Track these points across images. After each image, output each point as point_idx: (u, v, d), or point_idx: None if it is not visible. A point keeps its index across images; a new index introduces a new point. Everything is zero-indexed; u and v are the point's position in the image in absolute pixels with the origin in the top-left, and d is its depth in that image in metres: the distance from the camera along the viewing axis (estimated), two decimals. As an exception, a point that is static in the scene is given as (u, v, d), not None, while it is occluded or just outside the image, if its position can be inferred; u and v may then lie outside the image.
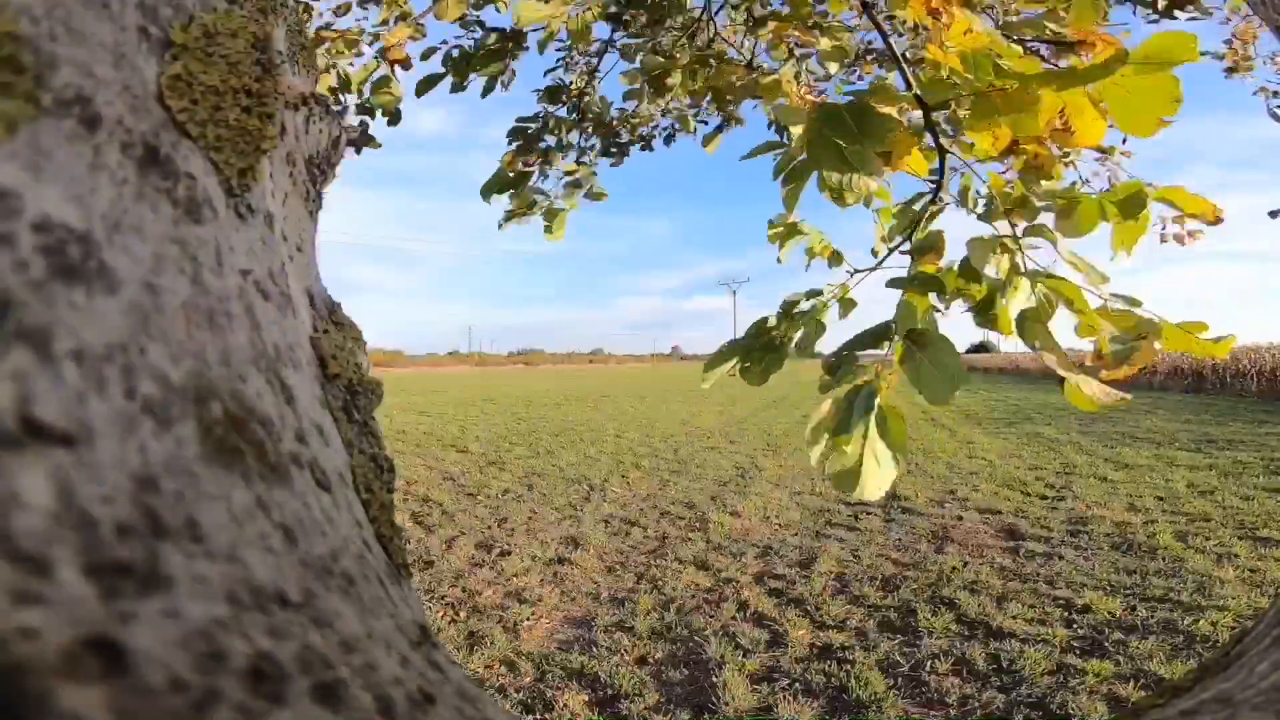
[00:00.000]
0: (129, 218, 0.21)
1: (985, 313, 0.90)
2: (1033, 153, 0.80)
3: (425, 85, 2.16)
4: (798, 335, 0.97)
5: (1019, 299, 0.85)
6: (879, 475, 0.79)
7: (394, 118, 2.30)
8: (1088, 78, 0.66)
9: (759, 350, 0.97)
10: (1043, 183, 0.85)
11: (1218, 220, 0.82)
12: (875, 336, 0.85)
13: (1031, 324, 0.83)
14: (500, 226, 2.32)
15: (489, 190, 2.23)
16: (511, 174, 2.21)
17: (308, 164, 0.38)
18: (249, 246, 0.27)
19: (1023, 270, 0.86)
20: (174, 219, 0.23)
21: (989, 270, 0.86)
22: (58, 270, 0.18)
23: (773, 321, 0.98)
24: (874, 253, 1.12)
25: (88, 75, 0.22)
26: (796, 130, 0.85)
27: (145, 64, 0.25)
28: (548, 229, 2.28)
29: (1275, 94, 2.90)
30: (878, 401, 0.80)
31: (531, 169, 2.27)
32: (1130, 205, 0.83)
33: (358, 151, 2.42)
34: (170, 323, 0.20)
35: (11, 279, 0.16)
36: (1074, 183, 0.96)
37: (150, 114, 0.24)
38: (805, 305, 0.99)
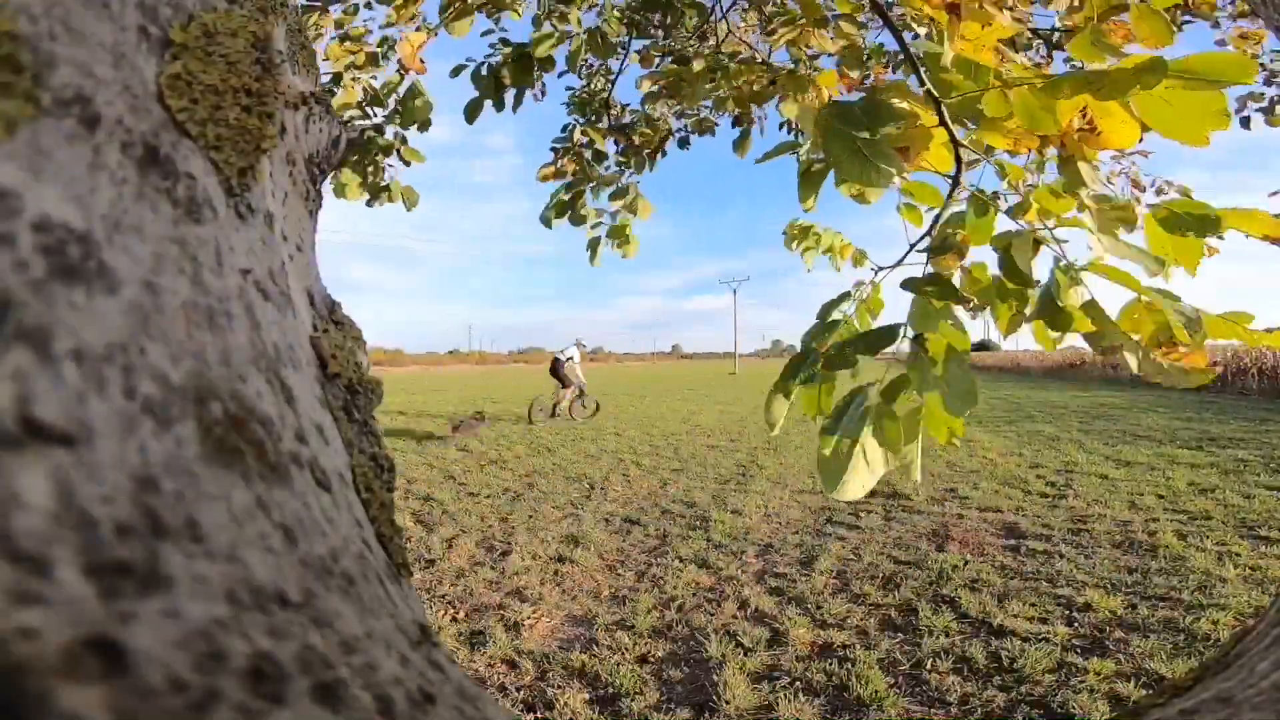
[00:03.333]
0: (129, 217, 0.21)
1: (1053, 315, 0.82)
2: (1058, 141, 0.77)
3: (473, 110, 2.16)
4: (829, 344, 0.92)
5: (1073, 296, 0.79)
6: (865, 475, 0.78)
7: (424, 125, 2.30)
8: (1119, 87, 0.63)
9: (806, 378, 0.90)
10: (1083, 175, 0.80)
11: None
12: (882, 337, 0.81)
13: (1100, 318, 0.77)
14: (591, 262, 2.32)
15: (549, 217, 2.24)
16: (563, 199, 2.22)
17: (308, 163, 0.38)
18: (249, 246, 0.27)
19: (1067, 266, 0.80)
20: (174, 219, 0.23)
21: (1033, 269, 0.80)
22: (57, 270, 0.18)
23: (814, 333, 0.93)
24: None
25: (87, 75, 0.21)
26: (809, 129, 0.83)
27: (145, 63, 0.25)
28: (619, 246, 2.28)
29: (1260, 98, 2.89)
30: (869, 405, 0.78)
31: (580, 189, 2.28)
32: (1204, 224, 0.74)
33: (406, 164, 2.42)
34: (170, 323, 0.20)
35: (11, 279, 0.16)
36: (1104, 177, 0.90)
37: (150, 114, 0.24)
38: (845, 308, 0.94)
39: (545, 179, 2.29)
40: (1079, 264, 0.79)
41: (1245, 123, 2.97)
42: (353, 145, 2.32)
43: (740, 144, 2.78)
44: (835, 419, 0.79)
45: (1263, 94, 2.90)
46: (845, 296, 0.96)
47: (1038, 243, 0.81)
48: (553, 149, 2.38)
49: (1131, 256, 0.76)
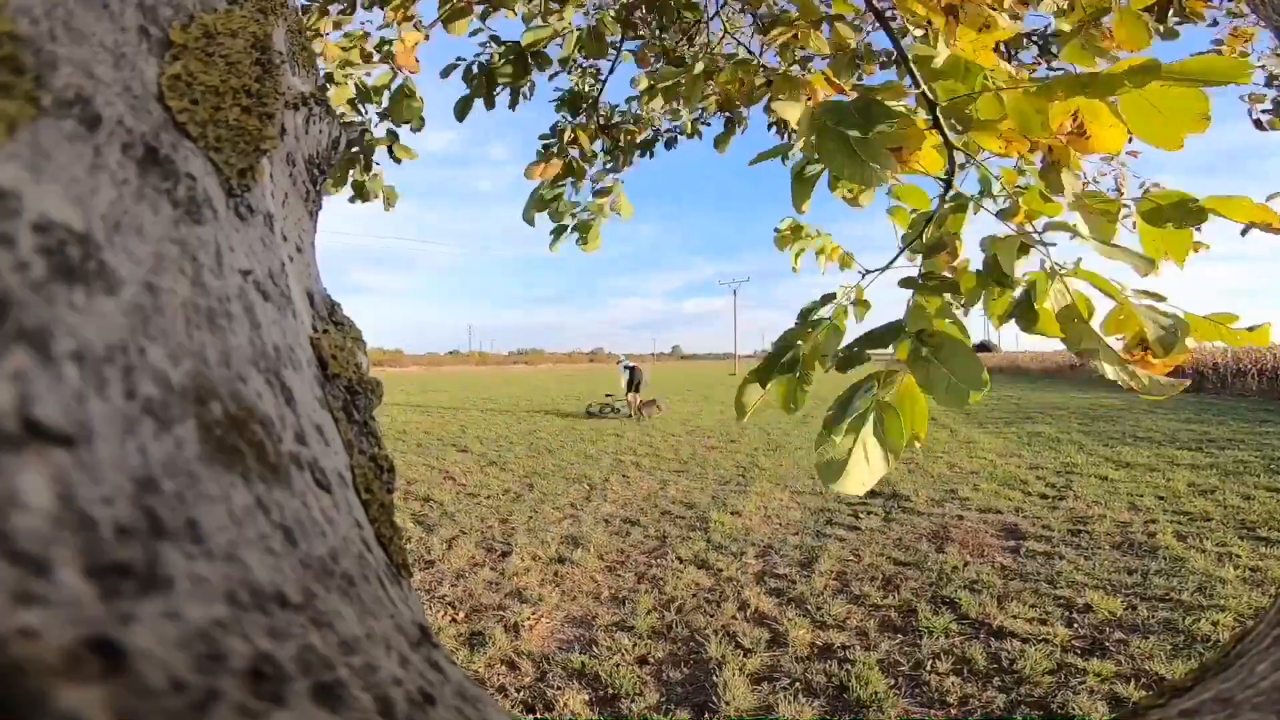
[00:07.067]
0: (129, 218, 0.21)
1: (1026, 315, 0.84)
2: (1046, 146, 0.78)
3: (463, 107, 2.17)
4: (813, 344, 0.93)
5: (1052, 297, 0.80)
6: (865, 471, 0.78)
7: (418, 125, 2.31)
8: (1111, 86, 0.64)
9: (784, 372, 0.92)
10: (1064, 182, 0.81)
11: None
12: (886, 335, 0.82)
13: (1074, 323, 0.78)
14: (551, 248, 2.33)
15: (530, 212, 2.25)
16: (544, 195, 2.23)
17: (308, 164, 0.38)
18: (249, 247, 0.27)
19: (1051, 268, 0.81)
20: (174, 219, 0.23)
21: (1017, 271, 0.81)
22: (57, 270, 0.18)
23: (795, 332, 0.94)
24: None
25: (88, 75, 0.22)
26: (800, 127, 0.84)
27: (145, 64, 0.25)
28: (581, 241, 2.29)
29: (1261, 100, 2.91)
30: (875, 398, 0.79)
31: (562, 185, 2.29)
32: (1186, 215, 0.73)
33: (396, 160, 2.44)
34: (170, 323, 0.20)
35: (11, 279, 0.16)
36: (1084, 184, 0.92)
37: (150, 114, 0.24)
38: (824, 311, 0.95)
39: (532, 177, 2.29)
40: (1064, 268, 0.80)
41: (1258, 124, 2.98)
42: (351, 146, 2.33)
43: (722, 141, 2.80)
44: (839, 411, 0.79)
45: (1263, 95, 2.92)
46: (828, 298, 0.96)
47: (1025, 246, 0.81)
48: (542, 147, 2.39)
49: (1121, 258, 0.75)
